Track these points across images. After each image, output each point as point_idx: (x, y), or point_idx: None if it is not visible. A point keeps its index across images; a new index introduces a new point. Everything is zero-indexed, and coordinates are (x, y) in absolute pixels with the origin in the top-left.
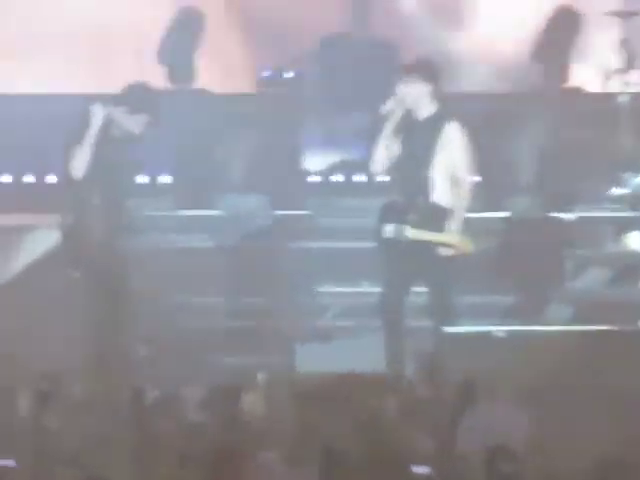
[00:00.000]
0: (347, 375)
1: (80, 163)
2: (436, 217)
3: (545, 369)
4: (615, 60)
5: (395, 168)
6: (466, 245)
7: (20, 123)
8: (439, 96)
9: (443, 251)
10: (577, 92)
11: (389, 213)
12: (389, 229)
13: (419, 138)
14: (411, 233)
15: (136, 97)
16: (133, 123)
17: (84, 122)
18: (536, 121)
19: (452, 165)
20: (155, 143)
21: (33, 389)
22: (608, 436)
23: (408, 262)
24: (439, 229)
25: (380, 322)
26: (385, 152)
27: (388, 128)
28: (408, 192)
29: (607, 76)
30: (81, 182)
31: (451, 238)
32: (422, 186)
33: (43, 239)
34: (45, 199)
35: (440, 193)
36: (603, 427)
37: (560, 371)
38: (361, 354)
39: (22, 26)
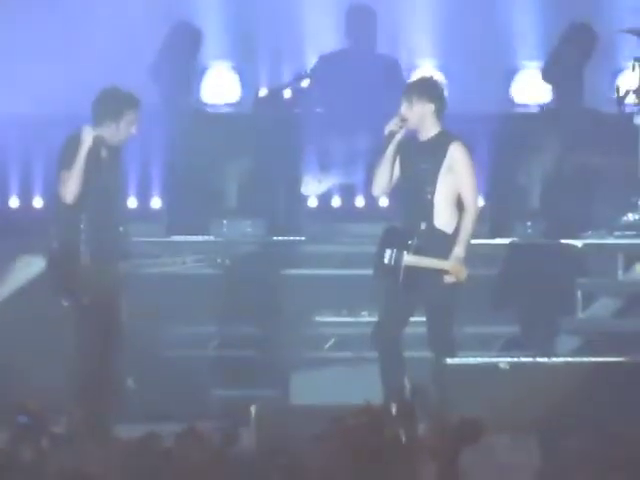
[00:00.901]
0: (344, 407)
1: (72, 187)
2: (439, 243)
3: (550, 402)
4: (631, 80)
5: (396, 192)
6: (460, 272)
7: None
8: (443, 116)
9: (444, 278)
10: (591, 113)
11: (389, 239)
12: (388, 255)
13: (422, 160)
14: (409, 259)
15: (114, 101)
16: (119, 134)
17: (74, 145)
18: (547, 143)
19: (457, 189)
20: (146, 165)
21: (11, 421)
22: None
23: (407, 289)
24: (441, 256)
25: (377, 352)
26: (386, 175)
27: (390, 150)
28: (410, 217)
29: (623, 96)
30: (70, 206)
31: (446, 264)
32: (424, 211)
33: (29, 265)
34: (31, 223)
35: (443, 218)
36: (610, 461)
37: (566, 404)
38: (359, 386)
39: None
